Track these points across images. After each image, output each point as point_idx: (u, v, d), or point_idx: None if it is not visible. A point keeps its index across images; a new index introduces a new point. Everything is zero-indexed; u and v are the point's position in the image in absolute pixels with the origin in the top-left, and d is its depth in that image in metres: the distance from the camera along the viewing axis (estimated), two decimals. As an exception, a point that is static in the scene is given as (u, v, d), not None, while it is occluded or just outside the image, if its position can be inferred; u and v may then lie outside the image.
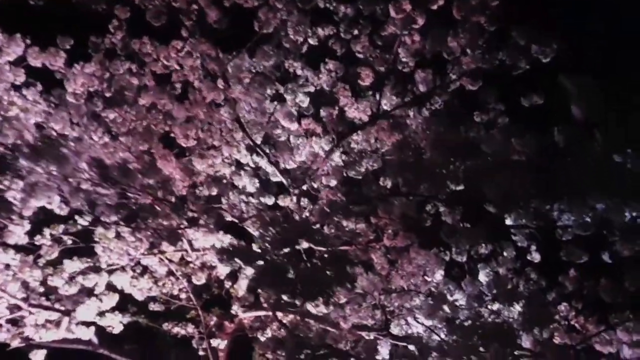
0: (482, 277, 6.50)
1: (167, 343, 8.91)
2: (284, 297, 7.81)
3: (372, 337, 7.50)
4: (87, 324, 6.98)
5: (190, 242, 6.74)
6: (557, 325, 5.91)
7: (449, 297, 6.02)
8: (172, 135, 5.99)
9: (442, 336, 5.88)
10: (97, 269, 6.48)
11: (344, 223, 6.19)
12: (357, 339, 7.68)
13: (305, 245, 6.70)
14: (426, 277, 6.09)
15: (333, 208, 5.93)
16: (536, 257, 7.20)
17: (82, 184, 5.47)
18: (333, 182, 6.38)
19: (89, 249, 6.46)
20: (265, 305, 7.97)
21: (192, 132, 5.78)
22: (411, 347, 6.80)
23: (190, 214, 6.09)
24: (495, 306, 5.79)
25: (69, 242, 6.31)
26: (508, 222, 6.48)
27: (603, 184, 5.38)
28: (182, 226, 6.29)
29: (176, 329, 8.15)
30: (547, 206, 5.56)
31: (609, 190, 5.44)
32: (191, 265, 7.52)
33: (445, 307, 5.88)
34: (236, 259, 7.36)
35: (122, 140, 5.67)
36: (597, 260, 6.77)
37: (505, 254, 6.72)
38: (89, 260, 6.40)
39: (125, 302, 8.26)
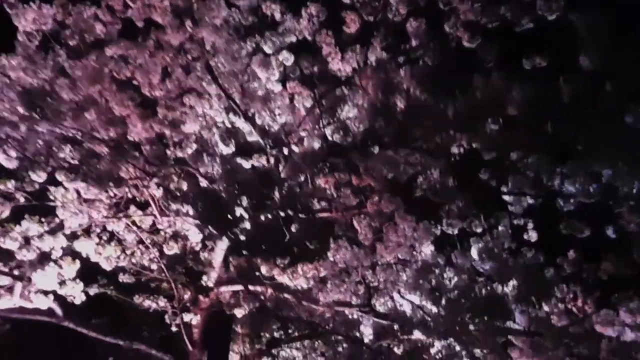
0: (475, 252, 5.98)
1: (139, 317, 8.38)
2: (262, 270, 7.31)
3: (354, 314, 7.02)
4: (46, 293, 6.43)
5: (160, 207, 6.19)
6: (554, 303, 5.39)
7: (436, 270, 5.50)
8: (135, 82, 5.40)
9: (428, 311, 5.38)
10: (54, 232, 5.93)
11: (322, 183, 5.63)
12: (338, 316, 7.19)
13: (282, 213, 6.17)
14: (414, 250, 5.58)
15: (308, 161, 5.37)
16: (533, 235, 6.70)
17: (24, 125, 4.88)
18: (316, 145, 5.82)
19: (47, 209, 5.90)
20: (239, 278, 7.47)
21: (156, 78, 5.19)
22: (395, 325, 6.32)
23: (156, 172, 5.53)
24: (488, 280, 5.27)
25: (22, 199, 5.75)
26: (504, 190, 6.01)
27: (611, 146, 4.83)
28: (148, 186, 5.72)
29: (147, 303, 7.61)
30: (548, 171, 5.01)
31: (618, 154, 4.90)
32: (162, 233, 6.98)
33: (432, 280, 5.35)
34: (210, 227, 6.85)
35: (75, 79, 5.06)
36: (599, 238, 6.28)
37: (500, 228, 6.19)
38: (43, 220, 5.83)
39: (95, 273, 7.77)
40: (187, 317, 7.47)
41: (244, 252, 7.23)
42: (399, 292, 5.77)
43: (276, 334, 8.94)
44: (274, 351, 10.64)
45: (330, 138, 5.71)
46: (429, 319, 5.19)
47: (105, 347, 8.64)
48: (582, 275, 6.69)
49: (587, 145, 4.77)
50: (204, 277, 7.47)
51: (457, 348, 5.31)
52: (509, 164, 5.23)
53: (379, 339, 7.97)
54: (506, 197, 6.10)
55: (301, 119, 5.72)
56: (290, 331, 8.93)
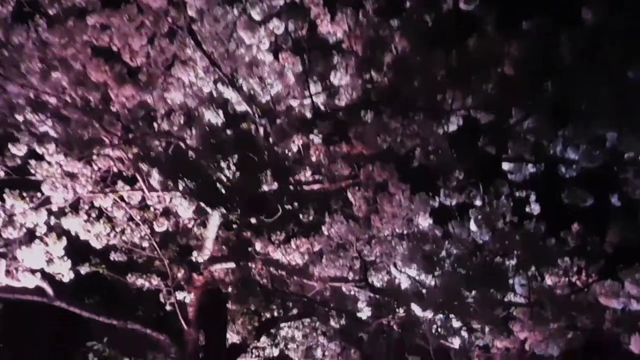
0: (474, 223, 5.75)
1: (134, 297, 8.24)
2: (257, 246, 7.12)
3: (350, 290, 6.84)
4: (33, 271, 6.28)
5: (147, 181, 5.99)
6: (556, 272, 5.17)
7: (434, 242, 5.29)
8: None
9: (425, 284, 5.18)
10: (39, 207, 5.75)
11: (313, 152, 5.40)
12: (335, 292, 7.02)
13: (275, 185, 5.96)
14: (410, 222, 5.35)
15: (297, 129, 5.13)
16: (535, 208, 6.47)
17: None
18: (306, 113, 5.57)
19: (28, 184, 5.71)
20: (233, 255, 7.30)
21: (137, 45, 4.95)
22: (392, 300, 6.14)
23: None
24: (487, 252, 5.05)
25: (1, 173, 5.56)
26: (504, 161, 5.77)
27: (616, 107, 4.56)
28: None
29: (140, 282, 7.46)
30: (548, 135, 4.75)
31: (622, 116, 4.64)
32: (152, 209, 6.79)
33: (430, 252, 5.14)
34: (200, 203, 6.65)
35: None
36: (602, 206, 6.04)
37: (500, 199, 5.95)
38: (25, 195, 5.64)
39: (87, 252, 7.62)
40: (181, 295, 7.33)
41: (237, 228, 7.06)
42: (395, 265, 5.57)
43: (274, 313, 8.79)
44: (272, 330, 10.55)
45: (321, 106, 5.46)
46: (426, 292, 5.00)
47: (101, 327, 8.53)
48: (587, 248, 6.48)
49: (589, 106, 4.51)
50: (197, 255, 7.30)
51: (455, 322, 5.12)
52: (508, 128, 4.98)
53: (378, 316, 7.82)
54: (506, 167, 5.85)
55: (290, 86, 5.46)
56: (287, 310, 8.78)
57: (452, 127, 5.94)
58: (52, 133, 5.23)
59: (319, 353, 10.20)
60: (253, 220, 6.17)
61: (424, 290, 5.01)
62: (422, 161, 5.89)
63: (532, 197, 6.42)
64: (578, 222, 5.81)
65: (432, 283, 5.01)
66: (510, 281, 4.86)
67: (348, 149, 5.17)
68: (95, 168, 5.68)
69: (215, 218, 6.70)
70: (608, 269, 5.95)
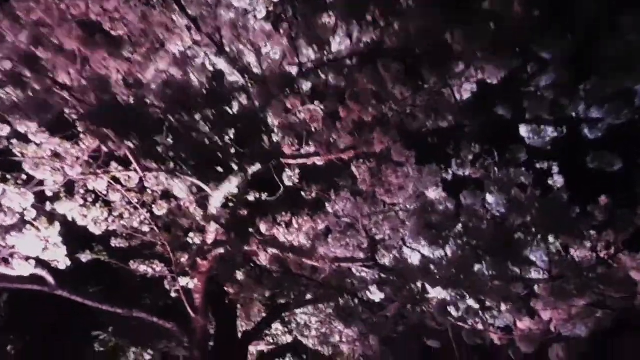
0: (489, 195, 5.29)
1: (139, 285, 8.00)
2: (262, 228, 6.78)
3: (361, 272, 6.46)
4: (28, 259, 6.04)
5: (139, 161, 5.68)
6: (581, 243, 4.68)
7: (444, 214, 4.85)
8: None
9: (436, 260, 4.76)
10: (29, 191, 5.48)
11: (308, 119, 4.99)
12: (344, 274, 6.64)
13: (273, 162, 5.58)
14: (420, 195, 4.93)
15: (276, 83, 4.71)
16: (558, 176, 5.96)
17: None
18: (301, 80, 5.15)
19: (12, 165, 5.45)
20: (237, 238, 6.97)
21: (111, 5, 4.59)
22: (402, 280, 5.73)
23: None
24: (502, 223, 4.59)
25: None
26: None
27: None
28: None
29: (143, 268, 7.19)
30: (568, 90, 4.26)
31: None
32: (150, 192, 6.48)
33: (440, 225, 4.71)
34: (200, 183, 6.32)
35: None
36: (632, 173, 5.51)
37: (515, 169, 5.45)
38: (9, 177, 5.37)
39: (89, 240, 7.39)
40: (186, 281, 7.04)
41: (239, 208, 6.73)
42: (403, 241, 5.16)
43: (286, 299, 8.47)
44: (286, 317, 10.26)
45: (309, 64, 5.02)
46: (435, 267, 4.58)
47: (106, 316, 8.34)
48: (615, 220, 5.96)
49: (612, 56, 4.01)
50: (200, 239, 7.00)
51: (468, 300, 4.71)
52: (523, 83, 4.49)
53: (392, 300, 7.45)
54: (524, 132, 5.35)
55: (283, 50, 5.06)
56: (300, 295, 8.45)
57: (465, 93, 5.49)
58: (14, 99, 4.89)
59: (335, 339, 9.85)
60: (253, 198, 5.78)
61: (435, 268, 4.59)
62: (430, 127, 5.45)
63: (554, 164, 5.93)
64: (605, 191, 5.28)
65: (442, 258, 4.59)
66: (530, 255, 4.40)
67: (345, 113, 4.75)
68: (83, 147, 5.38)
69: (216, 199, 6.37)
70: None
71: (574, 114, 4.62)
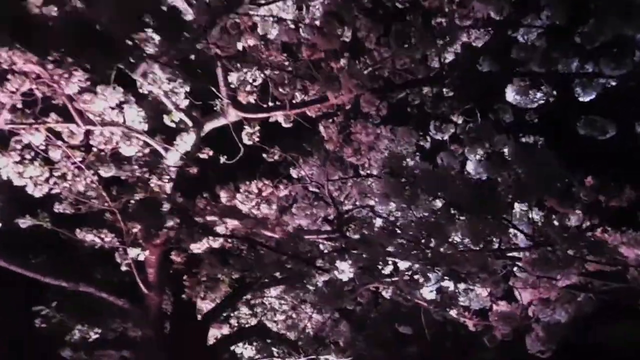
0: (471, 164, 4.75)
1: (90, 257, 7.33)
2: (222, 197, 6.19)
3: (325, 245, 5.92)
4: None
5: (79, 111, 5.03)
6: (570, 203, 4.18)
7: (418, 178, 4.28)
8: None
9: (409, 231, 4.22)
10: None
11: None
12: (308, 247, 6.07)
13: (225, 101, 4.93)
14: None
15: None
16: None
17: None
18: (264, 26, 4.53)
19: None
20: (195, 207, 6.36)
21: None
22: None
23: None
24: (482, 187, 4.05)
25: None
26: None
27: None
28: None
29: (90, 238, 6.55)
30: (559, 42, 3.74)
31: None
32: (97, 150, 5.81)
33: (413, 190, 4.14)
34: (154, 142, 5.68)
35: None
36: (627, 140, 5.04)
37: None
38: None
39: (32, 204, 6.70)
40: (135, 253, 6.41)
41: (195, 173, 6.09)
42: (373, 211, 4.61)
43: (249, 279, 7.85)
44: (251, 299, 9.67)
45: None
46: (405, 232, 4.05)
47: (51, 290, 7.67)
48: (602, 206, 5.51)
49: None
50: (154, 207, 6.36)
51: (442, 269, 4.18)
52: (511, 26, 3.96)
53: (362, 280, 6.97)
54: (510, 96, 4.81)
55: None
56: (262, 274, 7.85)
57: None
58: None
59: (304, 324, 9.32)
60: (206, 156, 5.18)
61: (399, 230, 4.05)
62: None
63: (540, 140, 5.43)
64: (596, 163, 4.80)
65: (411, 217, 4.04)
66: (512, 220, 3.90)
67: (308, 53, 4.17)
68: (12, 89, 4.69)
69: (169, 160, 5.73)
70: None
71: (565, 67, 4.11)
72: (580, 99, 4.60)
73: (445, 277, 4.16)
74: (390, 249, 4.20)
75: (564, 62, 4.11)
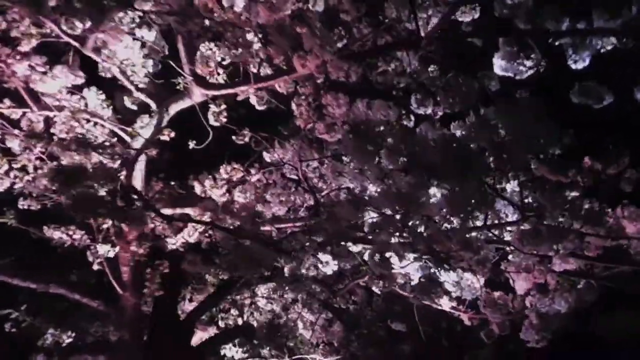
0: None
1: (62, 256, 6.91)
2: (197, 188, 5.79)
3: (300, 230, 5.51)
4: None
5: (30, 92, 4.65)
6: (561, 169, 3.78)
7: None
8: None
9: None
10: None
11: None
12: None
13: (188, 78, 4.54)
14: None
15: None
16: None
17: None
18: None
19: None
20: (169, 199, 5.97)
21: None
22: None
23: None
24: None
25: None
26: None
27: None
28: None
29: (58, 235, 6.15)
30: None
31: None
32: (56, 136, 5.41)
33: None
34: (115, 126, 5.28)
35: None
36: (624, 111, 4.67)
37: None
38: None
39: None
40: (105, 250, 6.00)
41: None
42: (350, 191, 4.21)
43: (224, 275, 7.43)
44: (238, 299, 9.26)
45: None
46: (378, 199, 3.64)
47: (21, 292, 7.26)
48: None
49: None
50: (125, 199, 5.95)
51: (420, 247, 3.76)
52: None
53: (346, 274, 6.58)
54: (497, 62, 4.41)
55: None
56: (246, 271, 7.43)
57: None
58: None
59: (283, 321, 8.90)
60: (167, 138, 4.78)
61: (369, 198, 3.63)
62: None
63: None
64: (591, 133, 4.41)
65: (383, 183, 3.62)
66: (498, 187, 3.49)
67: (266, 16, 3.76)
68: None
69: (137, 143, 5.30)
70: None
71: (556, 28, 3.71)
72: (574, 66, 4.23)
73: (424, 258, 3.75)
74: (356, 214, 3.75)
75: (552, 18, 3.72)
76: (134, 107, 4.82)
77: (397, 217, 3.53)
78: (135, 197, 5.95)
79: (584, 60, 4.08)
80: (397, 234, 3.57)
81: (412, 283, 4.71)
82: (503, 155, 3.33)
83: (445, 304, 7.18)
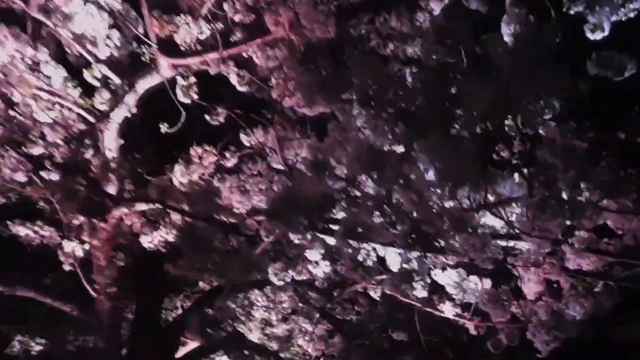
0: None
1: (35, 256, 6.42)
2: (177, 174, 5.27)
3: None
4: None
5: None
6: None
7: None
8: None
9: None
10: None
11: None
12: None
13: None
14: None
15: None
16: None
17: None
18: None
19: None
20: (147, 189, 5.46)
21: None
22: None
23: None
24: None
25: None
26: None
27: None
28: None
29: (25, 232, 5.68)
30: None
31: None
32: (15, 118, 4.90)
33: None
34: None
35: None
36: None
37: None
38: None
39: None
40: (70, 247, 5.50)
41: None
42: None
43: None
44: (230, 306, 8.69)
45: None
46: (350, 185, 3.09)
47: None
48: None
49: None
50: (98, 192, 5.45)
51: (405, 236, 3.18)
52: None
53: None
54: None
55: None
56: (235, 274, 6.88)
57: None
58: None
59: (279, 331, 8.33)
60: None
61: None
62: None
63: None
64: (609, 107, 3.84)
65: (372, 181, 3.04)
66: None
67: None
68: None
69: (109, 133, 4.81)
70: None
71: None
72: (592, 37, 3.69)
73: (408, 238, 3.16)
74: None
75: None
76: (96, 83, 4.32)
77: (373, 184, 2.94)
78: (107, 188, 5.50)
79: (603, 29, 3.55)
80: (376, 210, 3.00)
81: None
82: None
83: (448, 310, 6.56)
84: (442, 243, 3.18)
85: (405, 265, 3.47)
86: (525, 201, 2.92)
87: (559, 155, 2.78)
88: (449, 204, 2.84)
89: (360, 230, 3.18)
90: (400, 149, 2.81)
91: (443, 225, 2.92)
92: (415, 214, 2.93)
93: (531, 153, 2.88)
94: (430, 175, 2.62)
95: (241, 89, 4.63)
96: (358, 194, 3.15)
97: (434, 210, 2.88)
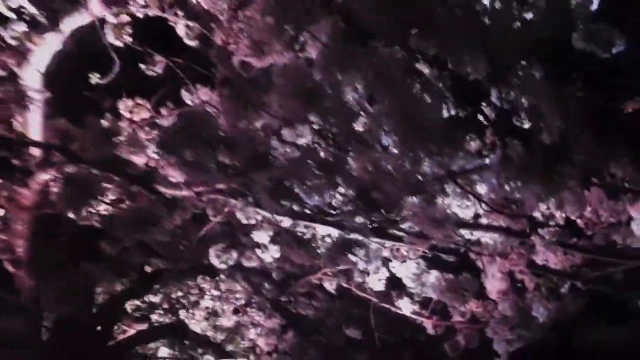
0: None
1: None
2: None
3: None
4: None
5: None
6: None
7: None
8: None
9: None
10: None
11: None
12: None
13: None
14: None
15: None
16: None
17: None
18: None
19: None
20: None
21: None
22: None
23: None
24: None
25: None
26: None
27: None
28: None
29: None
30: None
31: None
32: None
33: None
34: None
35: None
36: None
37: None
38: None
39: None
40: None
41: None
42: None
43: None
44: (173, 293, 8.11)
45: None
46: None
47: None
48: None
49: None
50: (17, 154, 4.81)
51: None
52: None
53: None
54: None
55: None
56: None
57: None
58: None
59: (225, 322, 7.81)
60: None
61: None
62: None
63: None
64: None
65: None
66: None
67: None
68: None
69: (29, 81, 4.17)
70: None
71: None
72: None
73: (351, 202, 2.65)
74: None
75: None
76: (13, 16, 3.69)
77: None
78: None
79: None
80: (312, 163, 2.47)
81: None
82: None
83: (405, 307, 6.20)
84: (394, 215, 2.68)
85: (345, 236, 2.97)
86: (496, 167, 2.46)
87: (542, 94, 2.33)
88: (406, 168, 2.37)
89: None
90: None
91: (398, 192, 2.43)
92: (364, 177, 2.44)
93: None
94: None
95: (189, 42, 4.12)
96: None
97: (387, 173, 2.39)
